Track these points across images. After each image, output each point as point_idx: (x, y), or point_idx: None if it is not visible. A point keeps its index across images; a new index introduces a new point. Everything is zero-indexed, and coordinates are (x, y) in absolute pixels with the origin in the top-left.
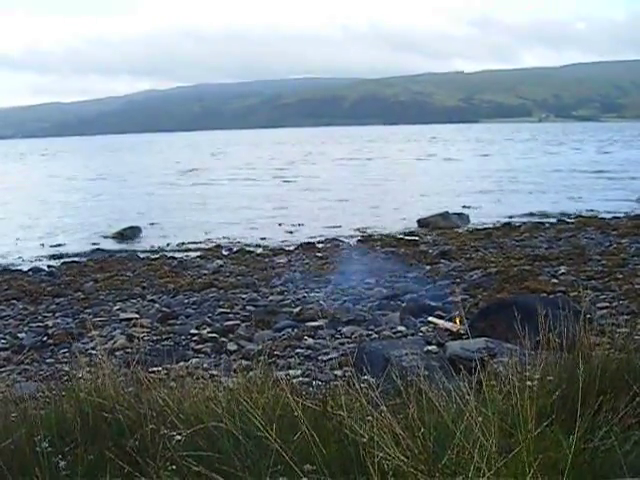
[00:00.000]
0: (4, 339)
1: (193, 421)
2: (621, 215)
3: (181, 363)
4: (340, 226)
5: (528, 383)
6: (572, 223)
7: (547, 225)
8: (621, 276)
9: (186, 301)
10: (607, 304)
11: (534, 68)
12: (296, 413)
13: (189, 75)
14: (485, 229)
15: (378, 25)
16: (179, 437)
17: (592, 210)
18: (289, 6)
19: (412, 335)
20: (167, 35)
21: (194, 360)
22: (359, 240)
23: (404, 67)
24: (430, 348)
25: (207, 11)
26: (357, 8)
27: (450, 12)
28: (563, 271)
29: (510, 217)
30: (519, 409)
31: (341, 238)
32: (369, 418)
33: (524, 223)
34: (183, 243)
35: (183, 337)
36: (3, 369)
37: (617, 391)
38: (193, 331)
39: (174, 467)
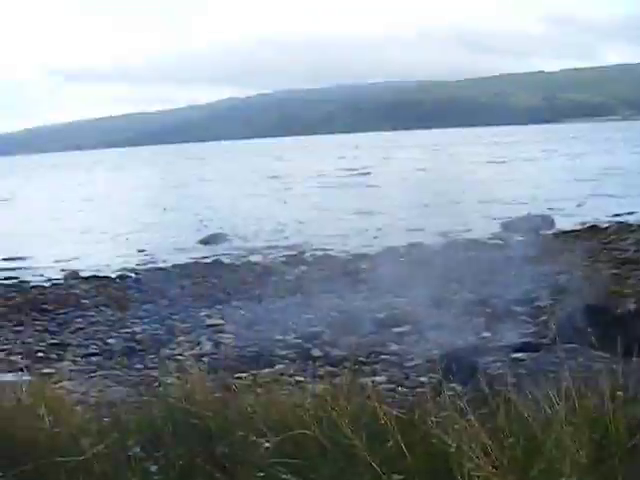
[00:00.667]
0: (95, 345)
1: (280, 428)
2: None
3: (267, 369)
4: (423, 229)
5: (619, 393)
6: None
7: (634, 227)
8: None
9: (271, 307)
10: None
11: (617, 65)
12: (383, 421)
13: (268, 82)
14: (570, 231)
15: (451, 26)
16: (267, 444)
17: None
18: (362, 10)
19: (498, 341)
20: (244, 43)
21: (279, 366)
22: (443, 244)
23: (482, 68)
24: (517, 355)
25: (282, 18)
26: (429, 9)
27: (524, 9)
28: None
29: (596, 219)
30: (610, 419)
31: (425, 242)
32: (457, 427)
33: (611, 225)
34: (267, 248)
35: (268, 343)
36: (95, 374)
37: None
38: (278, 337)
39: (262, 474)
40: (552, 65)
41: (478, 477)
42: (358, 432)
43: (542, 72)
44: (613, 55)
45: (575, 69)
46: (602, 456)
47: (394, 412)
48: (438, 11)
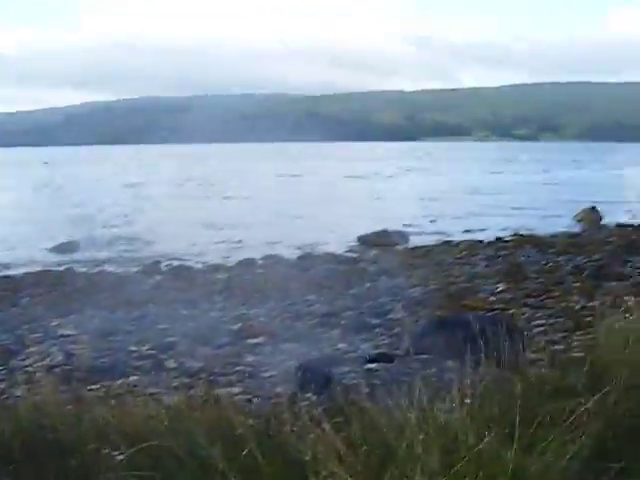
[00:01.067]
0: None
1: (135, 439)
2: (558, 233)
3: (121, 380)
4: (280, 241)
5: (467, 400)
6: (510, 241)
7: (485, 243)
8: (557, 294)
9: (125, 317)
10: (543, 321)
11: (473, 88)
12: (239, 431)
13: (130, 87)
14: (425, 247)
15: (314, 40)
16: (121, 457)
17: (530, 229)
18: (223, 18)
19: (353, 352)
20: (104, 47)
21: (134, 377)
22: (299, 257)
23: (343, 84)
24: (371, 365)
25: (144, 24)
26: (292, 22)
27: (385, 29)
28: (501, 289)
29: (449, 235)
30: (459, 426)
31: (281, 254)
32: (312, 436)
33: (463, 241)
34: (122, 257)
35: (122, 354)
36: None
37: (554, 407)
38: (132, 348)
39: None
40: (411, 85)
41: None
42: (214, 442)
43: (402, 91)
44: (468, 78)
45: (433, 90)
46: (452, 461)
47: (250, 422)
48: (298, 24)
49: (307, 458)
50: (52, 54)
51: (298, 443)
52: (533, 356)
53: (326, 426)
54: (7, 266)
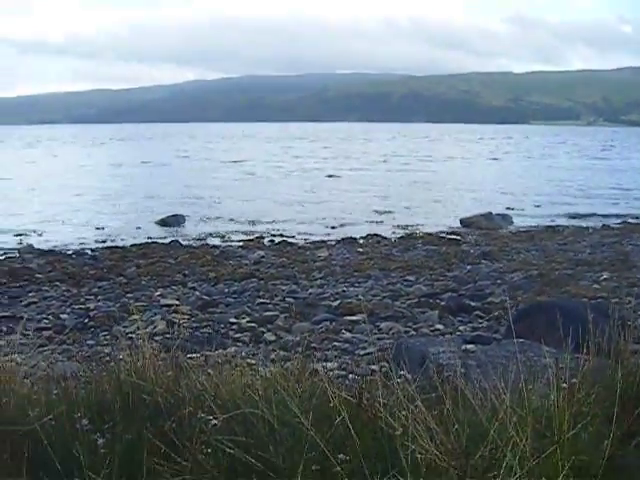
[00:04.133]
0: (47, 319)
1: (230, 407)
2: None
3: (219, 351)
4: (383, 221)
5: (564, 385)
6: (617, 229)
7: (591, 230)
8: None
9: (226, 290)
10: None
11: (583, 70)
12: (332, 404)
13: (235, 67)
14: (528, 231)
15: (419, 21)
16: (215, 421)
17: (638, 217)
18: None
19: (450, 334)
20: (211, 26)
21: (232, 348)
22: (401, 237)
23: (449, 65)
24: (468, 347)
25: (251, 3)
26: (397, 2)
27: (490, 9)
28: (605, 277)
29: (554, 220)
30: (554, 411)
31: (383, 234)
32: (404, 412)
33: (568, 227)
34: (226, 232)
35: (222, 325)
36: (45, 348)
37: None
38: (232, 320)
39: (209, 450)
40: (518, 67)
41: (422, 460)
42: (307, 413)
43: (510, 73)
44: (577, 60)
45: (541, 72)
46: (544, 445)
47: (343, 395)
48: (403, 5)
49: (398, 433)
50: (157, 32)
51: (390, 418)
52: (636, 347)
53: (419, 403)
54: (115, 237)
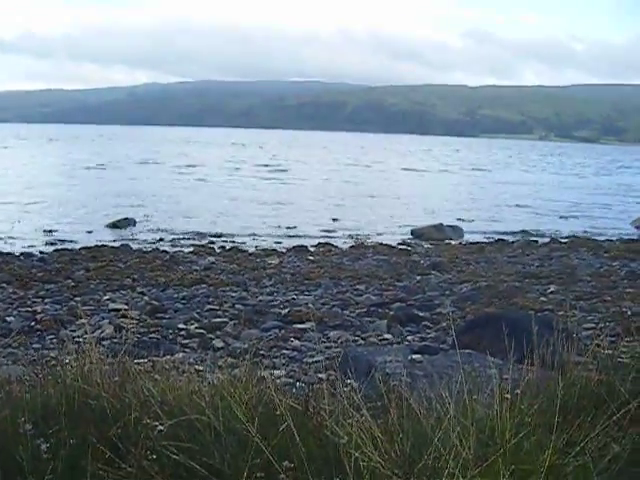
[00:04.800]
0: None
1: (176, 413)
2: (614, 238)
3: (167, 357)
4: (334, 231)
5: (507, 395)
6: (565, 243)
7: (540, 243)
8: (609, 298)
9: (175, 296)
10: (593, 325)
11: (536, 86)
12: (278, 411)
13: (190, 71)
14: (478, 243)
15: (375, 32)
16: (161, 427)
17: (586, 231)
18: (286, 5)
19: (398, 343)
20: (166, 30)
21: (180, 354)
22: (352, 246)
23: (405, 77)
24: (415, 357)
25: (206, 7)
26: (355, 13)
27: (445, 22)
28: (552, 290)
29: (504, 233)
30: (497, 421)
31: (334, 243)
32: (350, 421)
33: (517, 240)
34: (176, 238)
35: (170, 331)
36: None
37: (596, 410)
38: (181, 326)
39: (155, 456)
40: (473, 80)
41: (366, 467)
42: (252, 420)
43: (465, 86)
44: (530, 76)
45: (495, 86)
46: (486, 454)
47: (290, 403)
48: (359, 13)
49: (343, 441)
50: (114, 34)
51: (335, 426)
52: (580, 359)
53: (364, 411)
54: (64, 240)
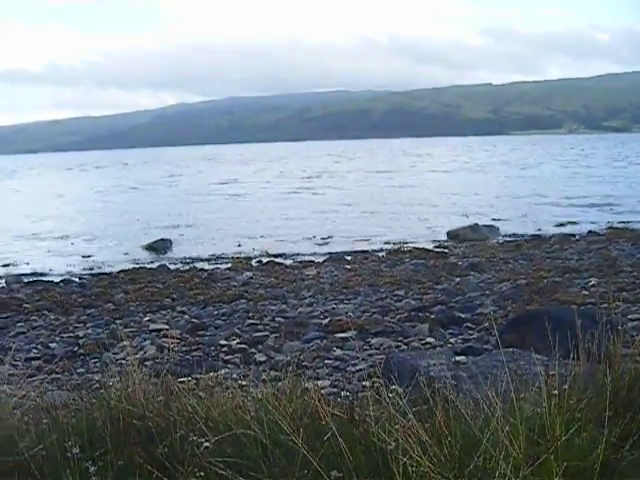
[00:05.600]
0: (36, 349)
1: (221, 429)
2: None
3: (210, 373)
4: (369, 239)
5: (555, 392)
6: (603, 235)
7: (577, 237)
8: None
9: (215, 312)
10: (638, 316)
11: (561, 79)
12: (323, 421)
13: (215, 90)
14: (515, 241)
15: (396, 37)
16: (207, 444)
17: (624, 222)
18: (306, 19)
19: (441, 346)
20: (189, 50)
21: (223, 371)
22: (388, 252)
23: (429, 79)
24: (459, 358)
25: (224, 25)
26: (373, 20)
27: (459, 22)
28: (593, 283)
29: (540, 229)
30: (546, 418)
31: (370, 250)
32: (396, 426)
33: (554, 235)
34: (213, 255)
35: (212, 348)
36: (35, 378)
37: None
38: (222, 342)
39: (202, 473)
40: (497, 78)
41: (416, 473)
42: (298, 431)
43: (489, 85)
44: (555, 69)
45: (520, 82)
46: (537, 452)
47: (335, 412)
48: (377, 20)
49: (390, 447)
50: (136, 58)
51: (382, 432)
52: (627, 351)
53: (410, 416)
54: (102, 264)
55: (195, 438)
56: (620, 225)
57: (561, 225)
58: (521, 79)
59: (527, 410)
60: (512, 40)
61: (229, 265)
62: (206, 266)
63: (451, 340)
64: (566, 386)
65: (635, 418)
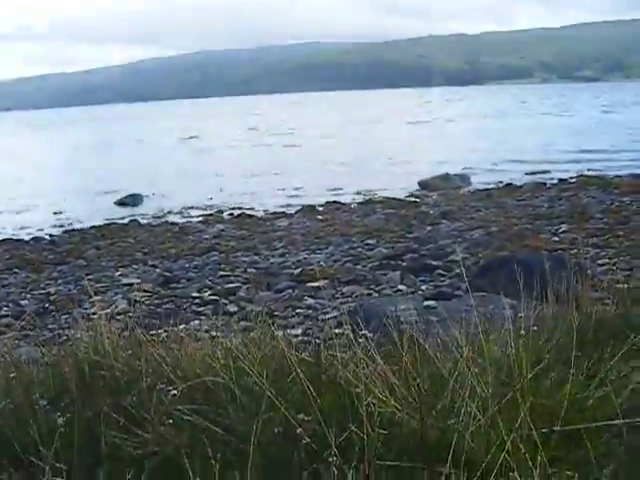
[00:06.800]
0: (7, 307)
1: (190, 377)
2: (624, 174)
3: (182, 325)
4: (341, 188)
5: (523, 332)
6: (574, 182)
7: (549, 185)
8: (622, 233)
9: (187, 265)
10: (607, 260)
11: (535, 29)
12: (292, 367)
13: (188, 43)
14: (486, 189)
15: None
16: (175, 392)
17: (595, 170)
18: None
19: (412, 293)
20: (160, 4)
21: (195, 322)
22: (360, 202)
23: (403, 31)
24: (428, 303)
25: None
26: None
27: None
28: (564, 229)
29: (512, 178)
30: (514, 358)
31: (342, 200)
32: (364, 370)
33: (525, 184)
34: (184, 208)
35: (184, 300)
36: (5, 335)
37: (614, 341)
38: (194, 294)
39: (170, 420)
40: (471, 28)
41: (383, 415)
42: (266, 376)
43: (464, 35)
44: (528, 18)
45: (494, 32)
46: (505, 392)
47: (303, 356)
48: None
49: (358, 390)
50: (105, 14)
51: (350, 375)
52: (596, 295)
53: (378, 359)
54: (74, 220)
55: (163, 387)
56: (591, 173)
57: (533, 174)
58: (495, 29)
59: (495, 351)
60: None
61: (200, 218)
62: (177, 219)
63: (422, 287)
64: (534, 327)
65: (601, 357)
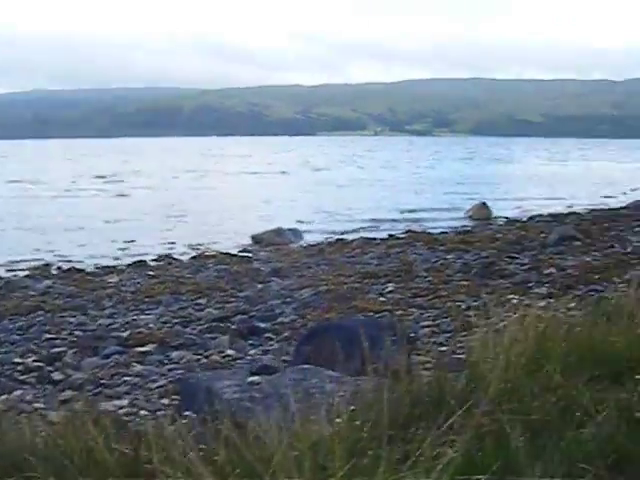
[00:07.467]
0: None
1: (9, 470)
2: (449, 230)
3: (3, 396)
4: (174, 242)
5: (337, 420)
6: (402, 238)
7: (378, 241)
8: (445, 293)
9: (11, 327)
10: (431, 322)
11: (368, 83)
12: (107, 463)
13: (21, 82)
14: (318, 244)
15: (205, 37)
16: None
17: (423, 225)
18: (113, 15)
19: (240, 359)
20: None
21: (18, 392)
22: (192, 257)
23: (239, 79)
24: (252, 379)
25: (30, 16)
26: (179, 16)
27: (270, 24)
28: (391, 289)
29: (343, 233)
30: (331, 441)
31: (174, 255)
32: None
33: (356, 239)
34: (12, 260)
35: (6, 367)
36: None
37: (431, 414)
38: (17, 360)
39: None
40: (307, 80)
41: None
42: (85, 472)
43: (299, 86)
44: (361, 73)
45: (329, 84)
46: (324, 477)
47: (123, 449)
48: (185, 19)
49: None
50: None
51: (168, 472)
52: (419, 359)
53: (192, 455)
54: None
55: None
56: (418, 228)
57: (363, 229)
58: (329, 81)
59: (315, 434)
60: (321, 44)
61: (27, 272)
62: (3, 273)
63: (251, 352)
64: (354, 406)
65: (415, 437)
